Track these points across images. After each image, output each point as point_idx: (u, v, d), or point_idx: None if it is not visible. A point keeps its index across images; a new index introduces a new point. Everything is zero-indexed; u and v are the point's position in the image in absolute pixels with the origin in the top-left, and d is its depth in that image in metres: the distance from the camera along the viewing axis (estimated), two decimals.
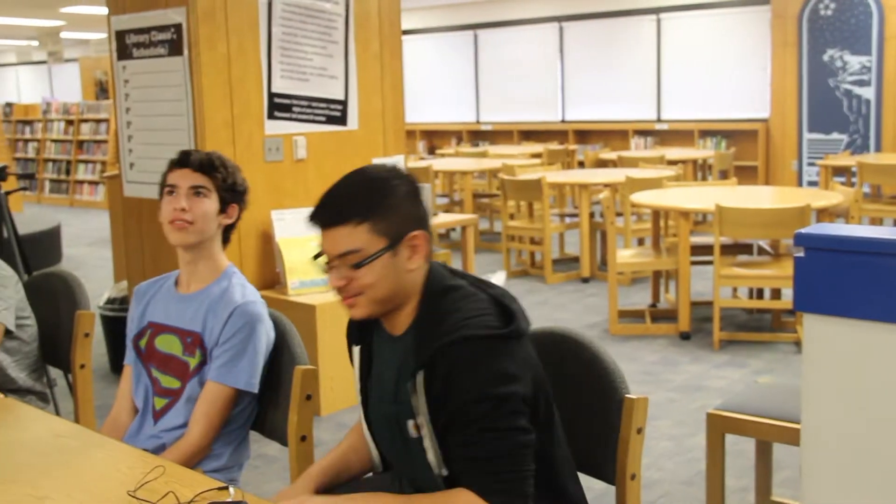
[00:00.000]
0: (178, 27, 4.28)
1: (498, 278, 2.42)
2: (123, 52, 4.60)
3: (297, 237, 4.52)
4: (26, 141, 15.64)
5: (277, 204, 4.61)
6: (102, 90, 17.07)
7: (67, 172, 14.74)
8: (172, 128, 4.42)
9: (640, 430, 1.89)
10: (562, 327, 2.08)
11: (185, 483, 1.72)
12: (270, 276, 4.64)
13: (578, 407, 1.97)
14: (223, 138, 4.39)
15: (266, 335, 2.30)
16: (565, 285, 7.16)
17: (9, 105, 16.14)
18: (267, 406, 2.35)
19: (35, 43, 17.13)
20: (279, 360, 2.32)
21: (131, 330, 2.43)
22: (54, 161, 15.02)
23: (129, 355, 2.43)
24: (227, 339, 2.25)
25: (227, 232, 2.42)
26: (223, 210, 2.36)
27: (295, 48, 4.58)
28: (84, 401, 2.84)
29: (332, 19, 4.71)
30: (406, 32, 11.82)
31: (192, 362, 2.29)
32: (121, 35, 4.59)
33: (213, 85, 4.33)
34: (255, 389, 2.28)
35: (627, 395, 1.90)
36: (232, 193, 2.37)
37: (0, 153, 12.40)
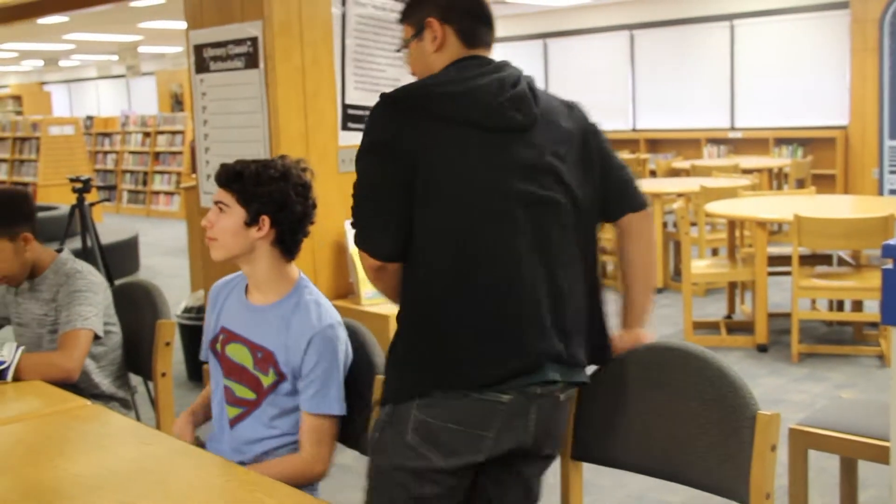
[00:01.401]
0: (254, 40, 4.35)
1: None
2: (201, 66, 4.69)
3: None
4: (105, 153, 16.08)
5: (351, 214, 4.63)
6: (178, 102, 17.47)
7: (144, 183, 15.11)
8: (248, 139, 4.50)
9: (773, 448, 1.84)
10: (679, 343, 2.04)
11: (271, 494, 1.73)
12: (344, 286, 4.68)
13: (707, 425, 1.92)
14: (298, 150, 4.44)
15: (346, 355, 2.31)
16: None
17: (90, 118, 16.61)
18: (346, 415, 2.36)
19: (114, 57, 17.62)
20: (357, 370, 2.33)
21: (207, 333, 2.46)
22: (132, 172, 15.41)
23: (206, 354, 2.45)
24: (310, 368, 2.24)
25: (287, 243, 2.33)
26: (254, 222, 2.29)
27: (368, 59, 4.62)
28: (165, 408, 2.89)
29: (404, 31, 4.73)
30: None
31: (266, 380, 2.29)
32: (199, 49, 4.69)
33: (288, 97, 4.39)
34: (345, 410, 2.29)
35: (760, 412, 1.84)
36: (259, 205, 2.27)
37: (82, 165, 12.78)
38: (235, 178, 2.28)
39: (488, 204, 1.89)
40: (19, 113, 20.11)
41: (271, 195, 2.27)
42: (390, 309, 4.35)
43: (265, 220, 2.28)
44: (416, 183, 1.89)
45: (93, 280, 2.87)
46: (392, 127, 1.92)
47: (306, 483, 2.23)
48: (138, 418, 3.09)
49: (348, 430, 2.34)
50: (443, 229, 1.89)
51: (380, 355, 2.31)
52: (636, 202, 2.16)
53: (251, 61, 4.39)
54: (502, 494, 2.04)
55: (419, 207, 1.89)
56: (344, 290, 4.68)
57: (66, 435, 2.15)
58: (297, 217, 2.31)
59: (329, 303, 2.35)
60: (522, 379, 1.88)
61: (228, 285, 2.47)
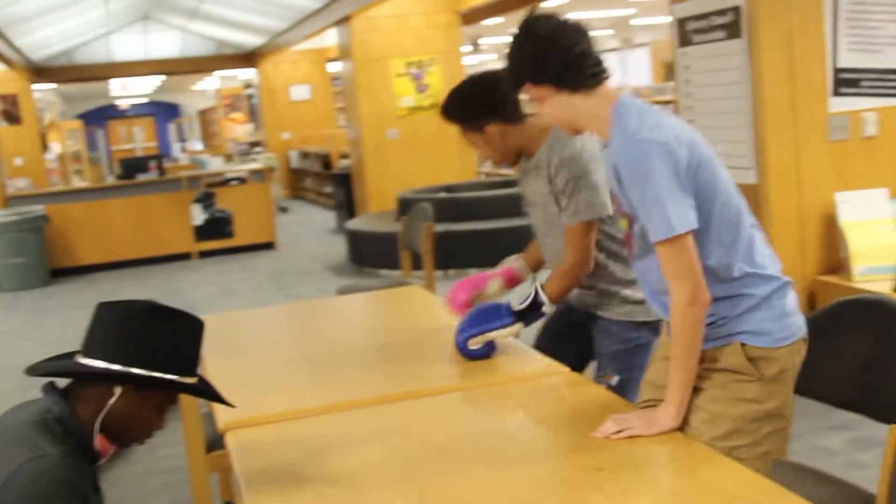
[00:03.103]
0: (736, 10, 4.26)
1: None
2: (684, 39, 4.72)
3: (864, 220, 4.23)
4: None
5: (842, 185, 4.35)
6: (670, 71, 17.60)
7: None
8: (730, 111, 4.43)
9: None
10: None
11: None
12: (834, 261, 4.42)
13: None
14: (784, 120, 4.28)
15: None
16: None
17: None
18: None
19: (609, 31, 18.27)
20: None
21: None
22: None
23: None
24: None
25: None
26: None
27: (864, 17, 4.28)
28: None
29: None
30: None
31: None
32: (681, 22, 4.72)
33: (772, 65, 4.24)
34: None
35: None
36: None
37: None
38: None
39: None
40: None
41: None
42: (885, 286, 4.03)
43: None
44: None
45: (588, 154, 2.59)
46: None
47: None
48: None
49: None
50: None
51: None
52: None
53: (733, 31, 4.31)
54: None
55: None
56: (833, 266, 4.42)
57: (544, 398, 2.36)
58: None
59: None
60: None
61: None
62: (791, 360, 2.01)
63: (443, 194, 9.20)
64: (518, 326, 2.58)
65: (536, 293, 2.59)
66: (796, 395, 2.12)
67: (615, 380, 2.71)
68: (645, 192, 1.92)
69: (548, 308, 2.60)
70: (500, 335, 2.57)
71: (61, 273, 10.17)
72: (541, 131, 2.71)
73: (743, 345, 1.99)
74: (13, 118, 13.60)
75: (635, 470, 1.81)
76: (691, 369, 1.97)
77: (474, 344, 2.57)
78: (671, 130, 1.95)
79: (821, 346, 2.17)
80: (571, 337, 2.89)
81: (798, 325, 2.03)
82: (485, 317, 2.57)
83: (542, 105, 2.09)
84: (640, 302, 2.59)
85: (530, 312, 2.59)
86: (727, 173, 2.03)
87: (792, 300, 2.04)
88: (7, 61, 11.85)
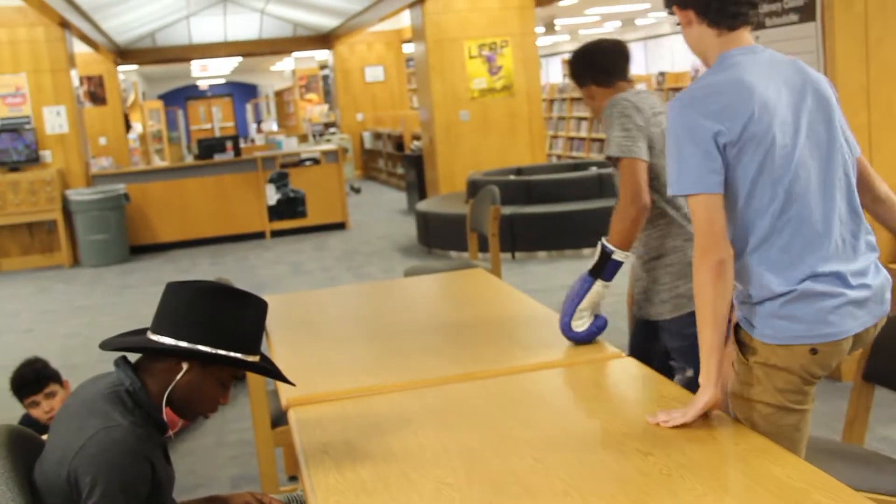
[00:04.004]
0: None
1: None
2: (756, 23, 4.64)
3: None
4: None
5: None
6: None
7: None
8: None
9: None
10: None
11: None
12: None
13: None
14: (857, 103, 4.19)
15: None
16: None
17: (661, 74, 17.21)
18: None
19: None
20: None
21: None
22: None
23: None
24: None
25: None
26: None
27: None
28: None
29: None
30: None
31: None
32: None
33: (846, 48, 4.15)
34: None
35: None
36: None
37: None
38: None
39: None
40: None
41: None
42: None
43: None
44: None
45: (629, 104, 2.80)
46: None
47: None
48: None
49: None
50: None
51: None
52: None
53: (807, 14, 4.23)
54: None
55: None
56: None
57: (599, 382, 2.39)
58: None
59: None
60: None
61: None
62: (790, 360, 2.00)
63: (512, 177, 9.21)
64: (598, 285, 2.62)
65: (602, 245, 2.64)
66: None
67: (690, 372, 2.75)
68: (669, 147, 2.04)
69: (619, 255, 2.63)
70: (589, 302, 2.61)
71: (140, 250, 10.49)
72: None
73: (738, 327, 2.09)
74: (98, 99, 14.02)
75: (684, 456, 1.83)
76: (706, 337, 1.99)
77: (577, 327, 2.62)
78: (721, 104, 1.98)
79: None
80: (647, 338, 2.95)
81: (795, 333, 1.99)
82: (572, 295, 2.63)
83: (685, 29, 2.14)
84: (688, 295, 2.65)
85: (604, 267, 2.63)
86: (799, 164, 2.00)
87: (803, 305, 2.00)
88: (93, 44, 12.21)
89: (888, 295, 2.07)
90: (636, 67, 22.80)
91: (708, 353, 1.99)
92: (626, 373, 2.42)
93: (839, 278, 1.99)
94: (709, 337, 1.98)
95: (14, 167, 9.87)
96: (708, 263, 1.95)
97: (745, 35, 2.09)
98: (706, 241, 1.96)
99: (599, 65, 2.98)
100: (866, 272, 2.03)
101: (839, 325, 1.98)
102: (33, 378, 3.73)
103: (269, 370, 2.01)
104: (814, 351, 1.99)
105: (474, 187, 8.63)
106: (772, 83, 2.02)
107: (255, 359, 1.94)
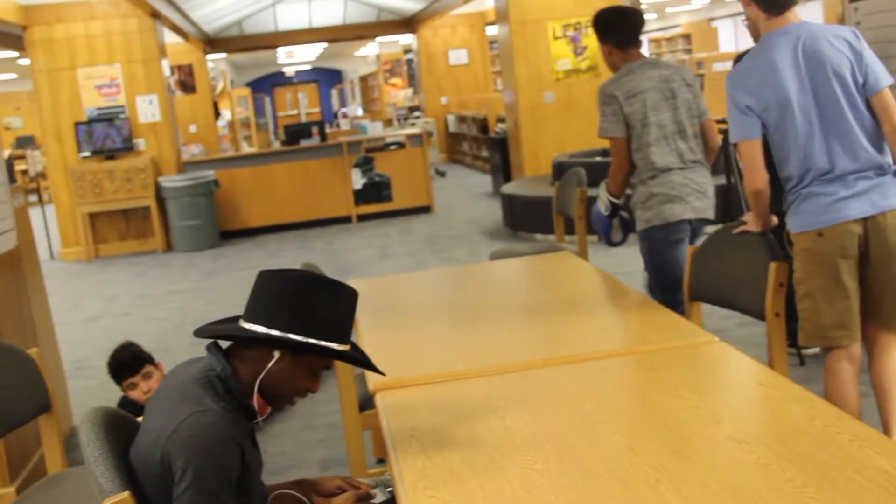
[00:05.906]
0: None
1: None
2: None
3: None
4: None
5: None
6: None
7: None
8: None
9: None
10: None
11: (881, 451, 1.68)
12: None
13: None
14: None
15: None
16: None
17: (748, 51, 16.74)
18: None
19: None
20: None
21: None
22: None
23: None
24: None
25: None
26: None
27: None
28: (778, 350, 2.72)
29: None
30: None
31: None
32: None
33: None
34: None
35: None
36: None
37: None
38: None
39: None
40: (688, 51, 21.11)
41: None
42: None
43: None
44: None
45: (608, 95, 3.81)
46: None
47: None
48: None
49: None
50: None
51: None
52: None
53: None
54: None
55: None
56: None
57: (692, 367, 2.33)
58: None
59: None
60: None
61: None
62: (817, 245, 2.84)
63: (599, 158, 9.08)
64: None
65: (607, 196, 4.12)
66: None
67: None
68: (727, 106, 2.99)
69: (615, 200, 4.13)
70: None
71: (230, 235, 10.70)
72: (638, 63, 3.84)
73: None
74: (188, 87, 14.31)
75: (782, 445, 1.77)
76: (756, 212, 2.98)
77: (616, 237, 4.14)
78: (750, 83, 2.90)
79: None
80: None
81: (807, 222, 2.86)
82: (600, 223, 4.15)
83: (744, 7, 2.94)
84: (643, 218, 3.90)
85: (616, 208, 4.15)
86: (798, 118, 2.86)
87: (807, 203, 2.86)
88: (183, 34, 12.47)
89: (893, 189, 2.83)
90: (725, 45, 22.28)
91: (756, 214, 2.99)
92: (718, 359, 2.36)
93: (838, 181, 2.83)
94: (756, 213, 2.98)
95: (110, 155, 10.16)
96: (749, 190, 2.92)
97: (790, 15, 2.84)
98: (748, 174, 2.90)
99: (621, 29, 3.82)
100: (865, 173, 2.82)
101: (835, 214, 2.82)
102: (129, 360, 3.84)
103: (360, 359, 2.01)
104: (819, 234, 2.83)
105: (560, 169, 8.54)
106: (789, 63, 2.85)
107: (345, 348, 1.94)
